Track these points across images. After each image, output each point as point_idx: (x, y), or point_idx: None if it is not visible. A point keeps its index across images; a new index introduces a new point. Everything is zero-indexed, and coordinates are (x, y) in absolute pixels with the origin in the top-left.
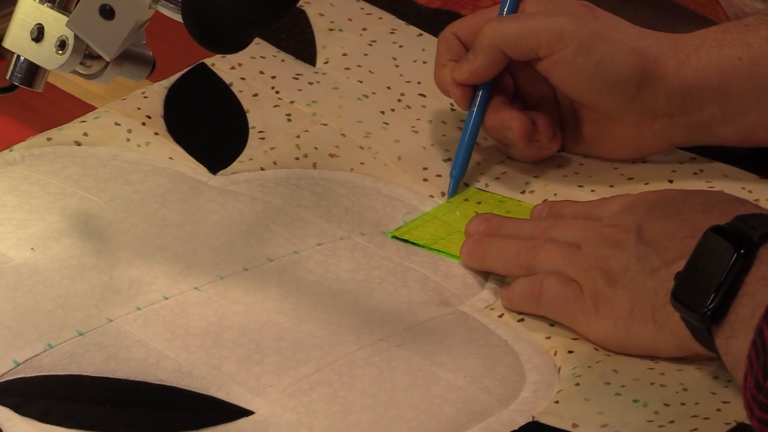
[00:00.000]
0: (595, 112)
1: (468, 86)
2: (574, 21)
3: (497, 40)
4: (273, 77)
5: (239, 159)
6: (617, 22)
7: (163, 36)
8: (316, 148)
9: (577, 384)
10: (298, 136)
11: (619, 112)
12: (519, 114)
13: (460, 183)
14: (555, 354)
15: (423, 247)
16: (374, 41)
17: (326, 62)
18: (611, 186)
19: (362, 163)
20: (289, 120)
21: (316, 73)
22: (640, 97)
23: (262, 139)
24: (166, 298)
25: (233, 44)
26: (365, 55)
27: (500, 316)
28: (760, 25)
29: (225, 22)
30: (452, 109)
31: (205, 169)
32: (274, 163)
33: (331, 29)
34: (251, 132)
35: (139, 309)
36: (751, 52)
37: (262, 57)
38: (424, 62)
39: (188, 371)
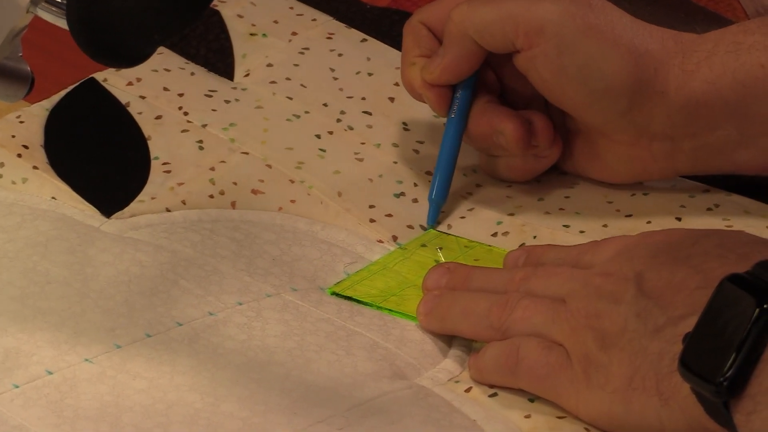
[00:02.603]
0: (583, 123)
1: (444, 87)
2: (562, 9)
3: (468, 27)
4: (180, 95)
5: (139, 198)
6: (616, 16)
7: (44, 46)
8: (235, 183)
9: None
10: (212, 169)
11: (608, 128)
12: (511, 114)
13: (440, 210)
14: None
15: (370, 305)
16: (307, 48)
17: (246, 75)
18: (605, 225)
19: (293, 201)
20: (201, 148)
21: (235, 88)
22: (634, 113)
23: (168, 172)
24: (50, 373)
25: (131, 56)
26: (295, 65)
27: (467, 390)
28: None
29: (121, 28)
30: (405, 129)
31: (96, 211)
32: (183, 202)
33: (252, 34)
34: (153, 164)
35: (17, 386)
36: None
37: (167, 69)
38: (370, 74)
39: None
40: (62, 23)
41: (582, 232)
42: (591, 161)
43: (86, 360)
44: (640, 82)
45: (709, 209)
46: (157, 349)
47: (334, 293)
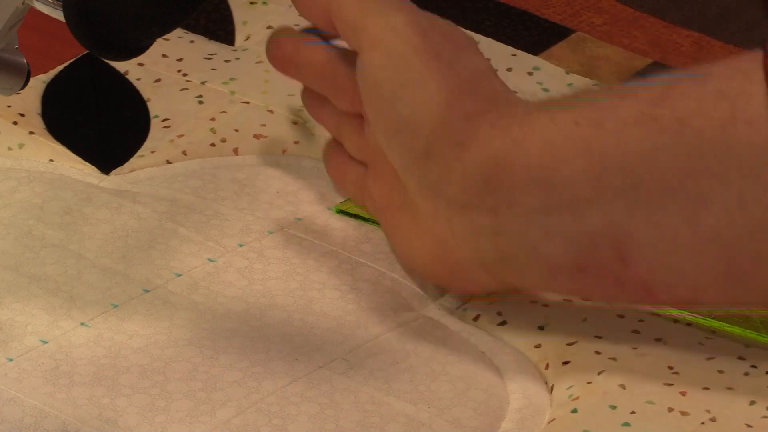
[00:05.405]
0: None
1: None
2: (408, 20)
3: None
4: (179, 60)
5: (139, 153)
6: (465, 54)
7: (41, 27)
8: (236, 131)
9: (575, 410)
10: (212, 119)
11: (407, 179)
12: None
13: None
14: (546, 367)
15: (377, 224)
16: None
17: (247, 39)
18: None
19: (297, 142)
20: (201, 102)
21: (235, 50)
22: (431, 164)
23: (167, 127)
24: (45, 342)
25: (129, 48)
26: (296, 26)
27: (476, 318)
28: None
29: (119, 20)
30: None
31: (95, 169)
32: (184, 153)
33: (252, 2)
34: (153, 122)
35: (11, 360)
36: (595, 113)
37: (165, 39)
38: None
39: (75, 430)
40: (59, 15)
41: None
42: (407, 239)
43: (82, 324)
44: (444, 125)
45: None
46: (154, 304)
47: (340, 211)
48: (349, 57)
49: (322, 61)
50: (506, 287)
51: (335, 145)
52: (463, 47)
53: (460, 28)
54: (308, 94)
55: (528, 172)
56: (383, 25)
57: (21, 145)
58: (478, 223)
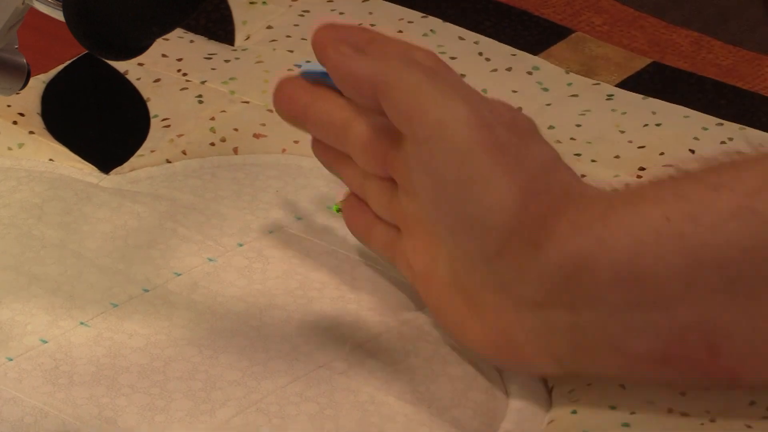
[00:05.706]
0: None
1: None
2: (472, 112)
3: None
4: (179, 59)
5: (139, 153)
6: (534, 147)
7: (41, 27)
8: (236, 130)
9: (574, 411)
10: (212, 119)
11: (473, 274)
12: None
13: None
14: None
15: None
16: (307, 11)
17: (247, 38)
18: (617, 157)
19: (296, 142)
20: (201, 102)
21: (235, 50)
22: (502, 264)
23: (167, 127)
24: (45, 342)
25: (129, 49)
26: (296, 26)
27: None
28: (715, 171)
29: (119, 20)
30: None
31: (95, 168)
32: (184, 152)
33: (252, 2)
34: (153, 121)
35: (11, 359)
36: (689, 207)
37: (165, 39)
38: (372, 25)
39: (75, 430)
40: (58, 15)
41: (593, 161)
42: (467, 321)
43: (82, 323)
44: (518, 226)
45: (722, 142)
46: (154, 303)
47: (340, 210)
48: (376, 114)
49: (346, 119)
50: (572, 372)
51: (358, 202)
52: (528, 135)
53: (519, 111)
54: (323, 148)
55: (614, 271)
56: (444, 115)
57: (21, 145)
58: (553, 319)
